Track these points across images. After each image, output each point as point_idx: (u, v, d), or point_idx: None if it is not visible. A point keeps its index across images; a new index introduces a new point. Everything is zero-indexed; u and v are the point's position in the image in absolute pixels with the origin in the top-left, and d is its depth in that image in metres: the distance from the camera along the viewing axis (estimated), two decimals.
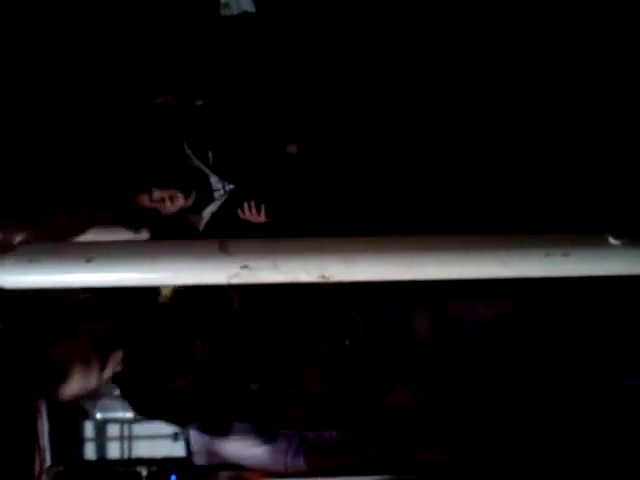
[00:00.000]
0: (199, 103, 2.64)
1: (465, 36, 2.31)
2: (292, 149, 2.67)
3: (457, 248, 0.89)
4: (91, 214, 0.99)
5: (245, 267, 0.83)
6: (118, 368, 1.37)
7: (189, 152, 2.65)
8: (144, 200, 2.46)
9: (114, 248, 0.87)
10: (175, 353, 1.48)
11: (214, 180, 2.68)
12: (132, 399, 1.46)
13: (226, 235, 0.90)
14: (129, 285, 0.86)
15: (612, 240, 0.89)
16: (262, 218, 2.57)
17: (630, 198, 1.84)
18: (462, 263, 0.88)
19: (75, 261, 0.85)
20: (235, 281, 0.83)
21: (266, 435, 1.55)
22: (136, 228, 1.37)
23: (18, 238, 0.84)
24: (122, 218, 1.05)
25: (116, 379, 1.44)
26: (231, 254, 0.84)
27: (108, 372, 1.35)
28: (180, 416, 1.45)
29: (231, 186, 2.67)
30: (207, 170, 2.66)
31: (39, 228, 0.87)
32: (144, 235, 1.47)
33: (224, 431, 1.50)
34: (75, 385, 1.26)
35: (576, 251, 0.89)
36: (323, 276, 0.86)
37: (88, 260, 0.84)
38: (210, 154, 2.65)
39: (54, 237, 0.88)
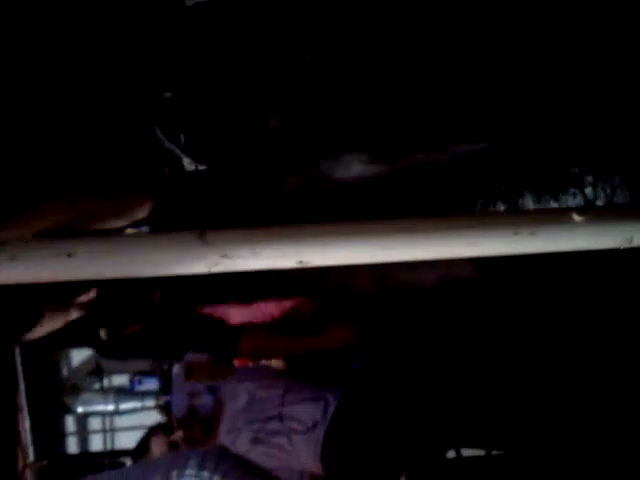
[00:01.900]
0: (167, 95, 2.63)
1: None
2: (273, 122, 2.67)
3: (425, 230, 0.92)
4: (79, 206, 1.00)
5: (225, 256, 0.85)
6: (83, 311, 1.38)
7: (160, 135, 2.66)
8: None
9: (94, 242, 0.88)
10: (134, 300, 1.49)
11: (187, 162, 2.71)
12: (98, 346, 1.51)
13: (202, 215, 0.90)
14: (110, 278, 0.88)
15: (576, 217, 0.93)
16: None
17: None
18: (431, 244, 0.92)
19: (56, 257, 0.86)
20: (216, 270, 0.86)
21: None
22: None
23: (2, 236, 0.85)
24: (112, 209, 1.06)
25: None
26: (210, 244, 0.86)
27: (73, 314, 1.36)
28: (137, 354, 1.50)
29: (203, 167, 2.70)
30: (179, 152, 2.69)
31: (23, 226, 0.88)
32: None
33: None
34: (42, 328, 1.27)
35: (542, 229, 0.93)
36: (301, 262, 0.89)
37: (69, 255, 0.86)
38: (182, 136, 2.67)
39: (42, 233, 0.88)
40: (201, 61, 2.60)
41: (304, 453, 1.51)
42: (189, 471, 1.01)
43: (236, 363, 2.37)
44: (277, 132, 2.61)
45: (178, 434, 1.67)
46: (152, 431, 1.83)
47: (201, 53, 2.57)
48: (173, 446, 1.67)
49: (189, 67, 2.61)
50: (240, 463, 1.09)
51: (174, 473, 1.02)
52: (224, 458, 1.08)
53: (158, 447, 1.69)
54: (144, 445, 1.76)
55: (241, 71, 2.55)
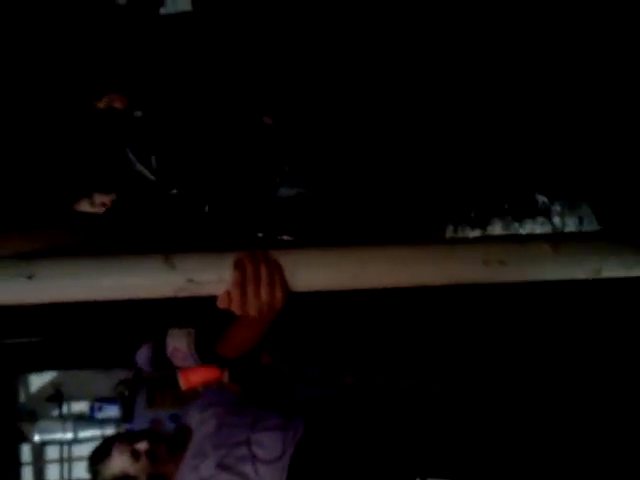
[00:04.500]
0: (138, 114, 2.61)
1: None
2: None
3: (395, 256, 0.91)
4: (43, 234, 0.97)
5: (191, 281, 0.83)
6: None
7: (132, 157, 2.64)
8: (85, 205, 2.43)
9: (56, 264, 0.85)
10: None
11: (157, 184, 2.69)
12: None
13: (170, 239, 0.88)
14: (73, 301, 0.85)
15: (548, 248, 0.94)
16: None
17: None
18: (402, 272, 0.91)
19: (16, 278, 0.83)
20: (182, 294, 0.84)
21: None
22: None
23: None
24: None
25: None
26: (176, 268, 0.84)
27: None
28: None
29: (174, 191, 2.68)
30: (150, 175, 2.66)
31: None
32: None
33: None
34: None
35: (512, 258, 0.93)
36: None
37: (29, 277, 0.83)
38: (153, 159, 2.65)
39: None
40: (177, 75, 2.58)
41: None
42: None
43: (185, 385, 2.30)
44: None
45: (143, 444, 1.61)
46: (116, 437, 1.76)
47: (175, 67, 2.55)
48: (135, 455, 1.61)
49: (164, 82, 2.58)
50: None
51: None
52: None
53: (119, 453, 1.63)
54: (106, 449, 1.69)
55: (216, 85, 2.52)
